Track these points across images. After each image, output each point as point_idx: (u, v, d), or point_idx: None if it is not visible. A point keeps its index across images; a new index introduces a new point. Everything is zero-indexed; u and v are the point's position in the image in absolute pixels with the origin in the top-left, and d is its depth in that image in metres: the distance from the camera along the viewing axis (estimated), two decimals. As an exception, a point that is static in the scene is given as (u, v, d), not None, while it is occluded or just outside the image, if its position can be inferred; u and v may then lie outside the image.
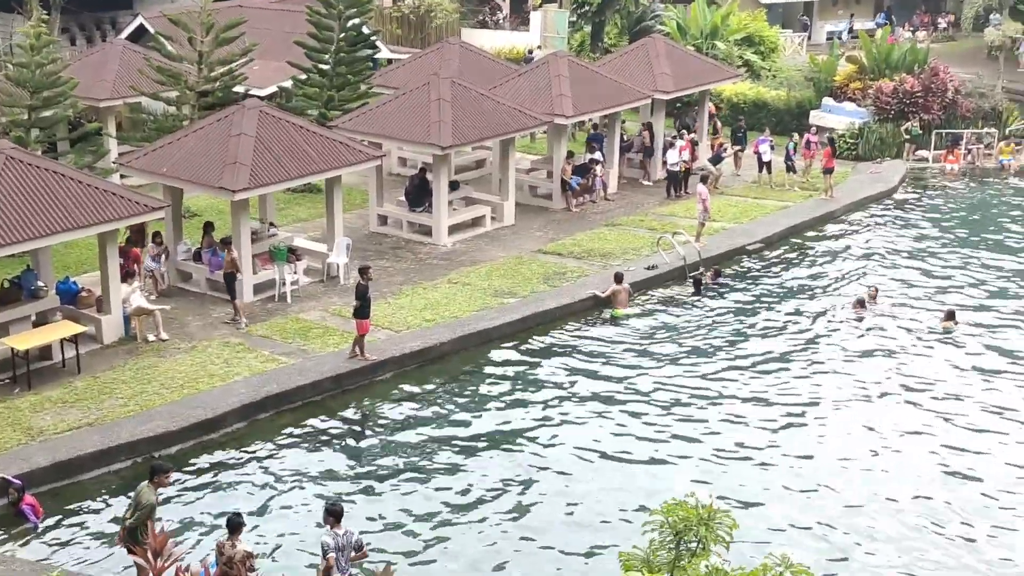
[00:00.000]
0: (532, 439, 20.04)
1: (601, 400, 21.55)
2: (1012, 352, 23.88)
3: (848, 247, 30.82)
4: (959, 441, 20.14)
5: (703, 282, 27.18)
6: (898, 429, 20.58)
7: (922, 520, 17.65)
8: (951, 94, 39.41)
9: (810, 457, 19.60)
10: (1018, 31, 52.06)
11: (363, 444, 19.88)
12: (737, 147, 36.22)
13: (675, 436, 20.20)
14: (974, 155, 38.87)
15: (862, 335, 24.76)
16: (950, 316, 24.99)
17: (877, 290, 26.56)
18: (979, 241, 31.33)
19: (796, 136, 36.12)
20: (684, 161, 33.79)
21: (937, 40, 61.03)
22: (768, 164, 35.18)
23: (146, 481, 14.94)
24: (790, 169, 35.16)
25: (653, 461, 19.36)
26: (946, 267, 29.15)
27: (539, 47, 48.68)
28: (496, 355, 23.38)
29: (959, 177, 37.60)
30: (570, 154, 33.02)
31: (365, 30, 35.71)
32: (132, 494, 15.21)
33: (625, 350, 23.85)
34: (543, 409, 21.15)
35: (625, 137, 35.98)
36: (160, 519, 15.25)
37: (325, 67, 33.46)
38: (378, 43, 39.56)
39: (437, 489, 18.35)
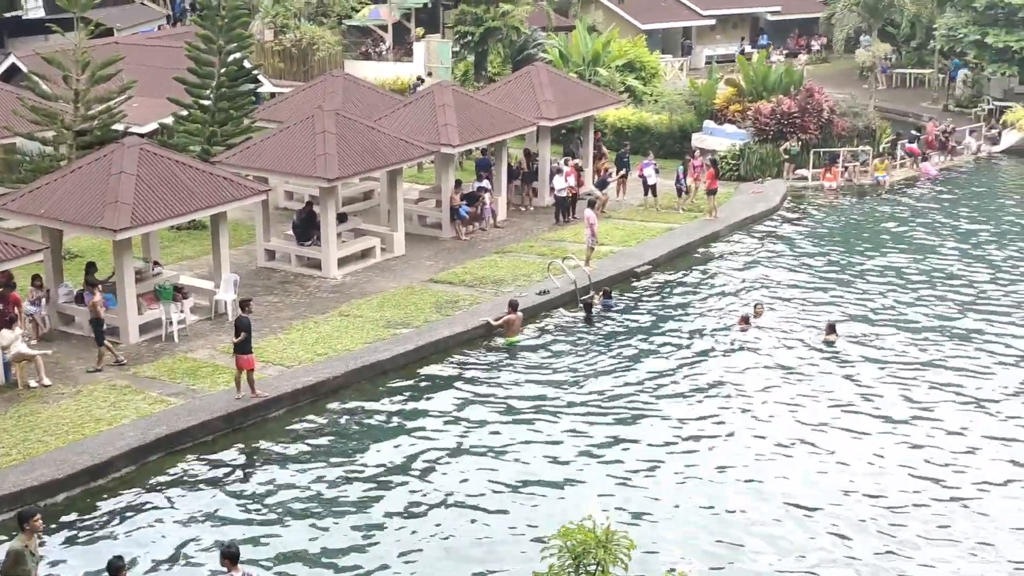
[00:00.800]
0: (430, 470, 19.91)
1: (498, 427, 21.53)
2: (890, 362, 24.55)
3: (734, 266, 31.38)
4: (844, 448, 20.68)
5: (593, 305, 27.41)
6: (787, 438, 21.02)
7: (819, 526, 18.02)
8: (826, 114, 40.45)
9: (722, 470, 19.85)
10: (887, 52, 53.91)
11: (257, 483, 19.53)
12: (622, 172, 36.68)
13: (575, 459, 20.27)
14: (851, 172, 39.95)
15: (748, 350, 25.20)
16: (831, 329, 25.65)
17: (762, 306, 27.08)
18: (858, 256, 32.15)
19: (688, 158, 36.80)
20: (570, 187, 34.11)
21: (812, 62, 62.86)
22: (653, 187, 35.70)
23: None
24: (681, 192, 35.66)
25: (554, 485, 19.38)
26: (827, 282, 29.85)
27: (429, 74, 48.81)
28: (391, 387, 23.22)
29: (837, 194, 38.59)
30: (458, 183, 33.09)
31: (246, 64, 35.37)
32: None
33: (521, 377, 23.89)
34: (440, 440, 21.04)
35: (513, 164, 36.21)
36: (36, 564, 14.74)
37: (206, 103, 33.01)
38: (260, 77, 39.27)
39: (336, 524, 18.11)
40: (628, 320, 27.13)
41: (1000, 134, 45.74)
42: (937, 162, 42.41)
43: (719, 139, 40.76)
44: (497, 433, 21.28)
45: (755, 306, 27.12)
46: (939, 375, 23.86)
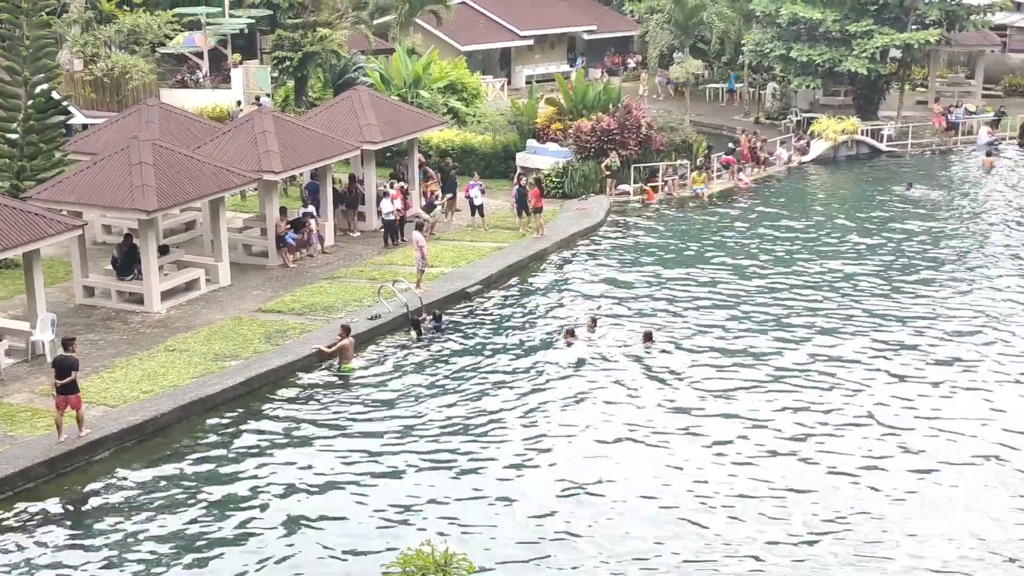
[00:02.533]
0: (265, 504, 19.50)
1: (335, 454, 21.25)
2: (706, 365, 25.32)
3: (562, 281, 31.82)
4: (664, 451, 21.39)
5: (422, 324, 27.37)
6: (614, 444, 21.67)
7: (636, 525, 18.43)
8: (645, 130, 41.45)
9: (561, 481, 20.02)
10: (699, 68, 55.66)
11: (84, 530, 18.77)
12: (448, 195, 36.77)
13: (414, 484, 20.16)
14: (670, 186, 41.02)
15: (574, 363, 25.59)
16: (647, 337, 26.44)
17: (595, 320, 27.55)
18: (681, 266, 32.98)
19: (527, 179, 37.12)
20: (398, 209, 34.05)
21: (628, 79, 64.45)
22: (480, 207, 35.93)
23: None
24: (522, 211, 35.86)
25: (396, 508, 19.23)
26: (651, 293, 30.52)
27: (267, 96, 47.96)
28: (221, 421, 22.67)
29: (659, 208, 39.55)
30: (283, 210, 32.62)
31: (55, 95, 34.12)
32: None
33: (356, 402, 23.65)
34: (275, 473, 20.62)
35: (339, 189, 35.92)
36: None
37: (14, 136, 31.72)
38: (71, 108, 37.93)
39: (171, 567, 17.54)
40: (460, 340, 27.18)
41: (809, 144, 47.69)
42: (751, 173, 43.93)
43: (543, 157, 41.31)
44: (335, 460, 20.99)
45: (588, 318, 27.59)
46: (754, 376, 24.69)
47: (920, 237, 35.83)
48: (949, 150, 49.61)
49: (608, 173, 40.44)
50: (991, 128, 51.08)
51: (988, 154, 46.97)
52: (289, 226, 32.26)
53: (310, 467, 20.82)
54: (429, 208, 35.62)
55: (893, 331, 27.36)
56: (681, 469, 20.74)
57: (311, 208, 33.60)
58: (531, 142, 42.33)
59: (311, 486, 20.13)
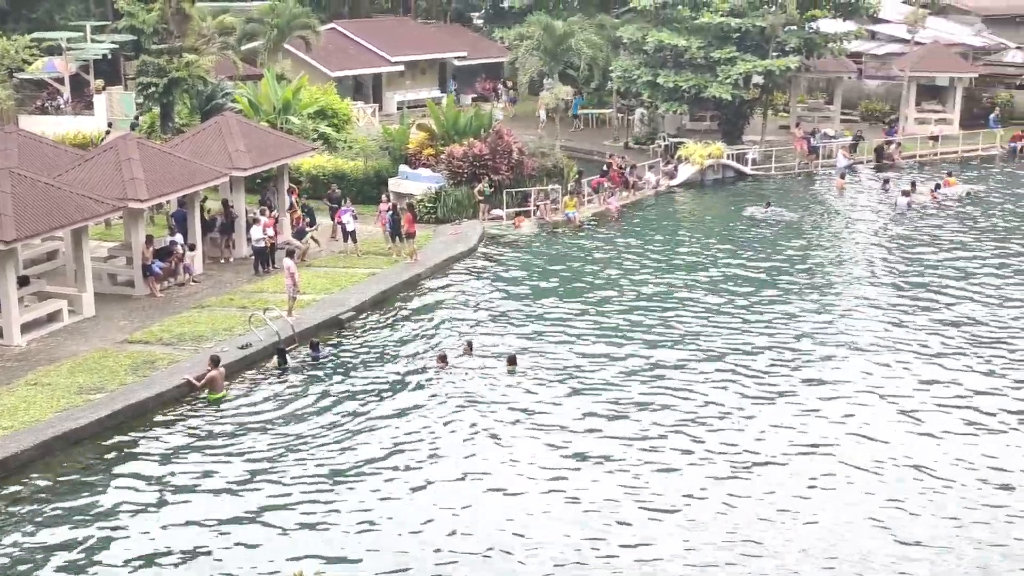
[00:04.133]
0: (128, 538, 18.96)
1: (204, 489, 20.78)
2: (576, 389, 25.55)
3: (436, 306, 31.75)
4: (534, 471, 21.57)
5: (288, 351, 27.01)
6: (486, 467, 21.76)
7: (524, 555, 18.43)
8: (516, 155, 41.73)
9: (438, 505, 19.91)
10: (568, 94, 56.33)
11: (-60, 573, 18.00)
12: (312, 228, 36.10)
13: (287, 515, 19.84)
14: (543, 210, 41.35)
15: (445, 388, 25.59)
16: (511, 361, 26.58)
17: (471, 344, 27.55)
18: (553, 289, 33.24)
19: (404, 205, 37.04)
20: (268, 237, 33.62)
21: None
22: (352, 233, 35.70)
23: None
24: (395, 236, 35.69)
25: (265, 540, 18.90)
26: (524, 317, 30.69)
27: (137, 119, 46.95)
28: (87, 456, 21.98)
29: (532, 232, 39.83)
30: (149, 238, 31.89)
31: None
32: None
33: (227, 433, 23.19)
34: (142, 507, 20.09)
35: (207, 216, 35.32)
36: None
37: None
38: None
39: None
40: (333, 368, 26.91)
41: (676, 168, 48.63)
42: (621, 197, 44.56)
43: (415, 183, 41.26)
44: (202, 493, 20.54)
45: (464, 344, 27.63)
46: (624, 397, 25.00)
47: (780, 257, 36.77)
48: (811, 173, 51.10)
49: (481, 198, 40.59)
50: (848, 152, 52.82)
51: (842, 176, 48.53)
52: (155, 255, 31.56)
53: (177, 501, 20.33)
54: (299, 235, 35.23)
55: (756, 349, 28.00)
56: (550, 492, 20.82)
57: (178, 236, 32.94)
58: (403, 168, 42.26)
59: (177, 521, 19.64)
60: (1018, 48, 65.12)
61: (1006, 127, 57.81)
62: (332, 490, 20.79)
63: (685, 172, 48.48)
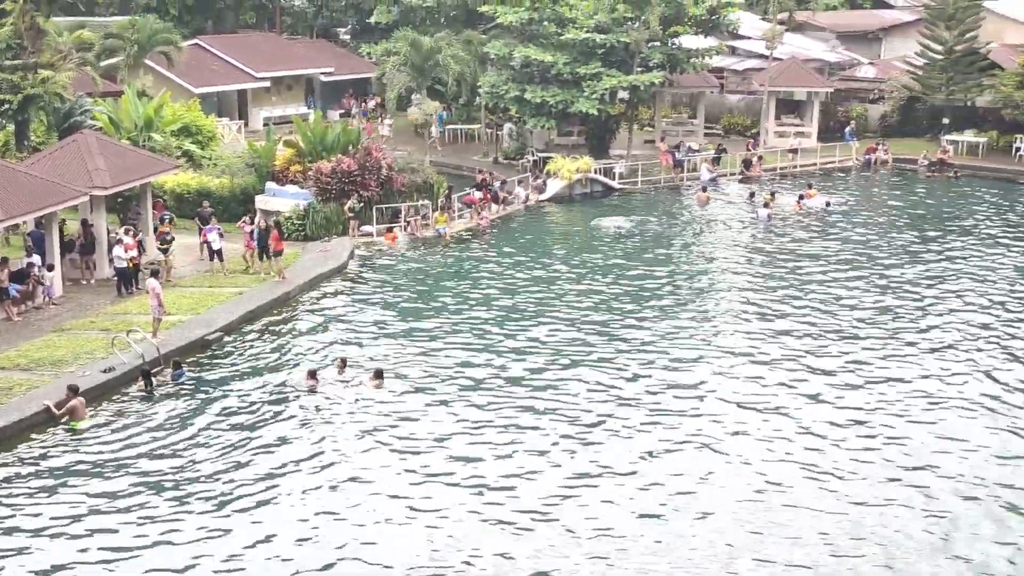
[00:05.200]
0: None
1: (64, 519, 20.12)
2: (444, 402, 25.55)
3: (306, 324, 31.37)
4: (407, 488, 21.50)
5: (154, 375, 26.39)
6: (348, 483, 21.66)
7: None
8: (386, 171, 41.57)
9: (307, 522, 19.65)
10: (437, 109, 56.44)
11: None
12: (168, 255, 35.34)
13: (151, 542, 19.36)
14: (413, 226, 41.24)
15: (316, 405, 25.34)
16: (378, 375, 26.46)
17: (344, 361, 27.30)
18: (423, 304, 33.14)
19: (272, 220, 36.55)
20: (132, 257, 32.80)
21: (368, 120, 64.56)
22: (219, 252, 35.09)
23: None
24: (264, 254, 35.16)
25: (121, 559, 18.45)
26: (397, 332, 30.54)
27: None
28: (-61, 489, 21.10)
29: (402, 248, 39.69)
30: (4, 260, 30.81)
31: None
32: None
33: (89, 461, 22.49)
34: (5, 538, 19.36)
35: (67, 236, 34.29)
36: None
37: None
38: None
39: None
40: (200, 390, 26.34)
41: (545, 183, 49.04)
42: (491, 212, 44.72)
43: (283, 200, 40.78)
44: (64, 523, 19.89)
45: (336, 361, 27.35)
46: (491, 414, 25.03)
47: (646, 268, 37.35)
48: (676, 186, 52.05)
49: (350, 215, 40.29)
50: (711, 165, 53.99)
51: (704, 189, 49.59)
52: (11, 277, 30.51)
53: (36, 529, 19.65)
54: (163, 243, 34.37)
55: (623, 358, 28.37)
56: (409, 507, 20.79)
57: (36, 257, 31.91)
58: (270, 184, 41.72)
59: (38, 549, 18.99)
60: (871, 63, 67.58)
61: (861, 140, 59.83)
62: (194, 518, 20.32)
63: (554, 187, 48.92)
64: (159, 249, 34.64)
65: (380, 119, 60.73)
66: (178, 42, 55.58)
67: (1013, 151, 55.95)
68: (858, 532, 20.03)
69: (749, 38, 66.14)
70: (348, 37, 78.62)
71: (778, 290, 34.85)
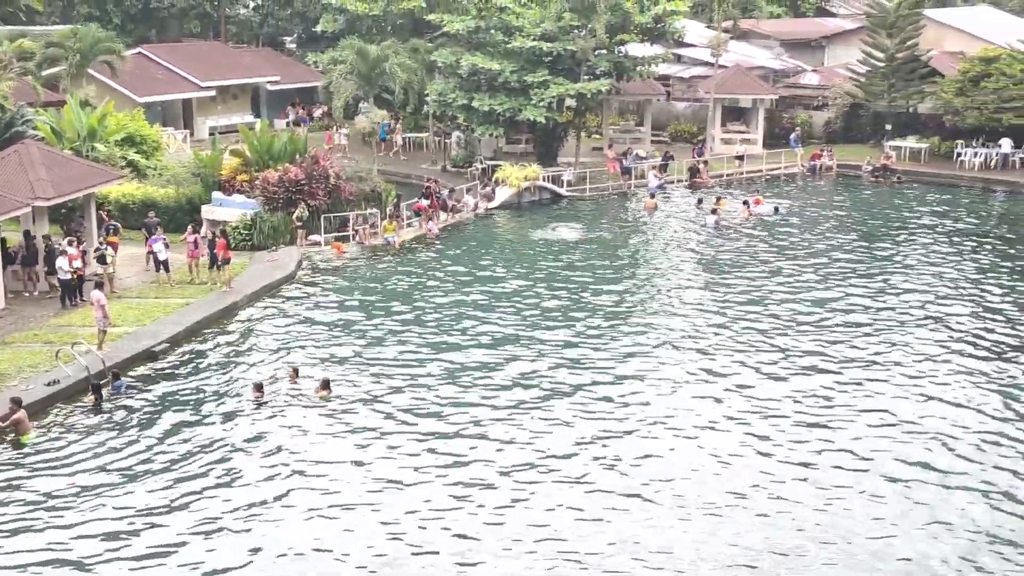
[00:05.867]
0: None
1: (10, 535, 19.76)
2: (390, 413, 25.43)
3: (254, 334, 31.10)
4: (352, 497, 21.35)
5: (103, 387, 26.03)
6: (293, 495, 21.41)
7: None
8: (333, 179, 41.35)
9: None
10: (384, 118, 56.21)
11: None
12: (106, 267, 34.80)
13: (101, 557, 19.08)
14: (362, 235, 41.05)
15: (266, 416, 25.14)
16: (325, 386, 26.31)
17: (296, 370, 27.11)
18: (370, 315, 32.95)
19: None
20: (76, 268, 32.33)
21: (314, 129, 64.25)
22: (165, 263, 34.72)
23: None
24: (214, 263, 34.76)
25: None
26: (345, 341, 30.34)
27: None
28: None
29: (351, 256, 39.49)
30: (-55, 273, 30.31)
31: None
32: None
33: (36, 475, 22.13)
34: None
35: (10, 248, 33.74)
36: None
37: None
38: None
39: None
40: (146, 403, 26.00)
41: (494, 191, 49.04)
42: (440, 221, 44.63)
43: (229, 209, 40.44)
44: (8, 540, 19.53)
45: (292, 370, 27.18)
46: (440, 425, 24.96)
47: (594, 274, 37.46)
48: (624, 193, 52.25)
49: (298, 224, 40.02)
50: (659, 172, 54.27)
51: (651, 196, 49.82)
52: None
53: (-16, 549, 19.31)
54: (101, 260, 33.88)
55: (573, 366, 28.43)
56: (357, 515, 20.72)
57: (-23, 270, 31.41)
58: (217, 194, 41.35)
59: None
60: (814, 71, 68.33)
61: (806, 146, 60.44)
62: (142, 534, 20.08)
63: (503, 194, 48.93)
64: (96, 261, 34.10)
65: (335, 128, 60.39)
66: (121, 51, 54.90)
67: (954, 157, 56.75)
68: (805, 528, 20.21)
69: (695, 46, 66.60)
70: (294, 46, 78.19)
71: (726, 295, 35.06)
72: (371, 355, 29.28)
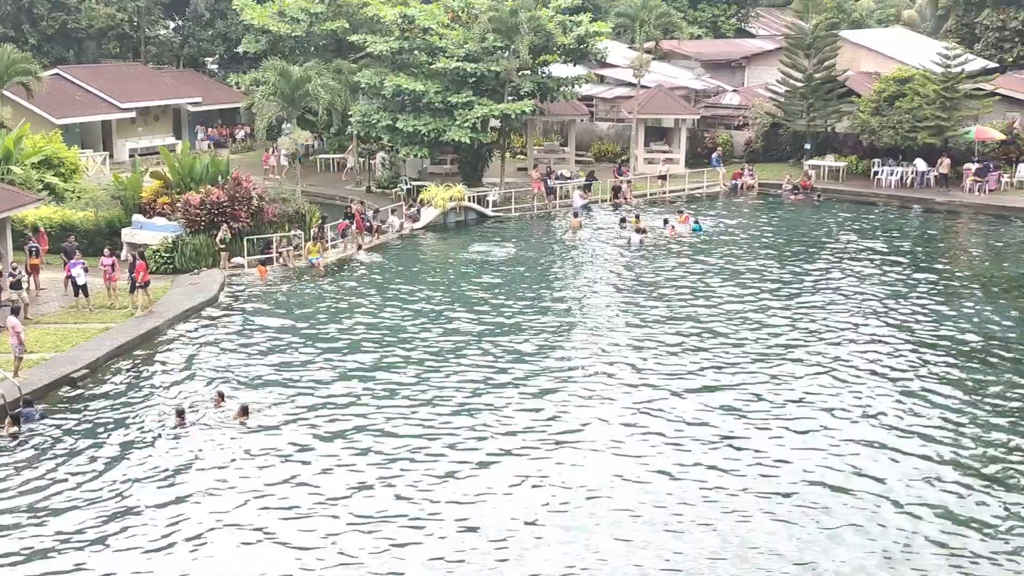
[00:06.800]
0: None
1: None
2: (314, 436, 25.22)
3: (177, 359, 30.66)
4: (266, 528, 21.09)
5: (22, 418, 25.48)
6: (201, 528, 21.11)
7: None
8: (256, 201, 41.03)
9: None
10: (308, 139, 56.00)
11: None
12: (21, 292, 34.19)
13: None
14: (285, 257, 40.76)
15: (185, 443, 24.82)
16: (243, 411, 26.03)
17: (222, 395, 26.81)
18: (294, 337, 32.68)
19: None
20: (-9, 294, 31.76)
21: (237, 151, 63.78)
22: (84, 287, 34.18)
23: None
24: (135, 286, 34.21)
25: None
26: (268, 365, 30.07)
27: None
28: None
29: (275, 279, 39.17)
30: None
31: None
32: None
33: (-54, 507, 21.64)
34: None
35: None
36: None
37: None
38: None
39: None
40: (64, 432, 25.47)
41: (419, 211, 49.01)
42: (366, 242, 44.49)
43: (151, 232, 39.95)
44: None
45: (217, 395, 26.89)
46: (366, 440, 24.92)
47: (518, 294, 37.59)
48: (549, 213, 52.50)
49: (221, 246, 39.64)
50: (583, 192, 54.62)
51: (576, 215, 50.13)
52: None
53: None
54: (16, 287, 33.28)
55: (495, 388, 28.47)
56: (282, 543, 20.52)
57: None
58: (137, 217, 40.83)
59: None
60: (735, 91, 69.36)
61: (728, 165, 61.26)
62: (58, 565, 19.69)
63: (428, 215, 48.91)
64: (11, 287, 33.46)
65: (272, 149, 59.92)
66: (37, 72, 54.10)
67: (871, 175, 57.87)
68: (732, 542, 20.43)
69: (617, 67, 67.29)
70: (216, 67, 77.56)
71: (649, 313, 35.34)
72: (295, 377, 29.05)
